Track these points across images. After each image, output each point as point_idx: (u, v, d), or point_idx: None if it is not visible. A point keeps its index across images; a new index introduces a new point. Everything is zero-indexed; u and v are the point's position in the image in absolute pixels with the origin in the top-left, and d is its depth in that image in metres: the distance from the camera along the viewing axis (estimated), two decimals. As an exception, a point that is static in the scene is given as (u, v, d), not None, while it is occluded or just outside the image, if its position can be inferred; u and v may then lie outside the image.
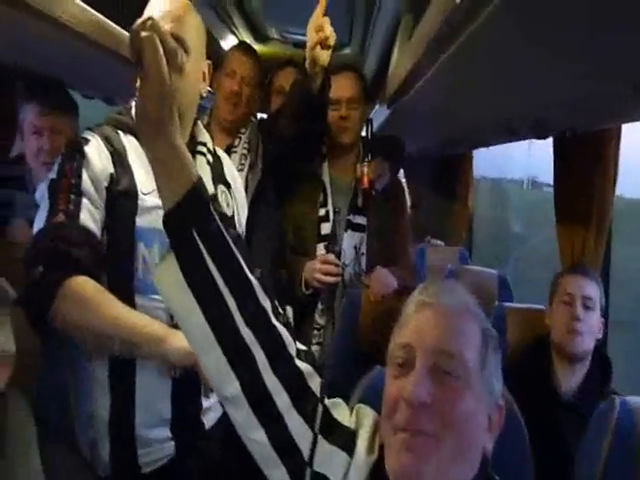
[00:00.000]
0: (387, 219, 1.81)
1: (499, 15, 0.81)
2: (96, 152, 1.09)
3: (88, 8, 1.29)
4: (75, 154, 1.07)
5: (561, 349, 1.50)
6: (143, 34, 0.68)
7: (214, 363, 0.72)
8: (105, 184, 1.08)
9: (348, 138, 1.79)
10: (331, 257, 1.68)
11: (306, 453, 0.74)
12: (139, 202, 1.08)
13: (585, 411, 1.26)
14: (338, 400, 0.81)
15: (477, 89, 1.35)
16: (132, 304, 1.05)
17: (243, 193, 1.38)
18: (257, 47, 2.71)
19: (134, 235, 1.08)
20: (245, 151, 1.76)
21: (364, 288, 1.67)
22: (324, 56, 1.45)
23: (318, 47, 1.42)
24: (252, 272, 0.75)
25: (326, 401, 0.78)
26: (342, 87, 1.75)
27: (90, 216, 1.05)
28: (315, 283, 1.67)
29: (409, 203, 3.26)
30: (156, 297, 1.06)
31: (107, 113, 1.20)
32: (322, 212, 1.77)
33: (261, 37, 2.69)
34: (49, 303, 0.98)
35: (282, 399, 0.73)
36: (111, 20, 1.40)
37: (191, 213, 0.71)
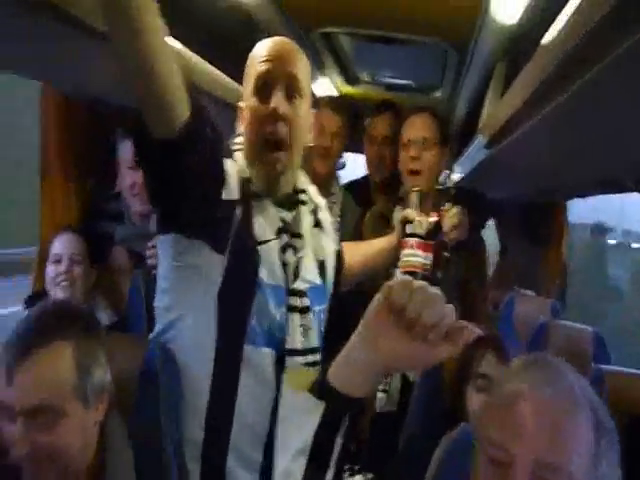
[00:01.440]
0: (465, 274, 1.72)
1: (610, 68, 0.77)
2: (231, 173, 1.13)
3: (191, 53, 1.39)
4: None
5: None
6: None
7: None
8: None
9: (420, 180, 1.67)
10: None
11: None
12: (260, 252, 1.08)
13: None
14: None
15: (581, 141, 1.29)
16: (239, 352, 1.05)
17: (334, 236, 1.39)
18: (348, 89, 2.78)
19: (255, 284, 1.06)
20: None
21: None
22: None
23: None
24: None
25: None
26: (416, 128, 1.71)
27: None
28: None
29: (498, 248, 3.15)
30: (265, 350, 1.07)
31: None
32: None
33: (352, 79, 2.74)
34: None
35: None
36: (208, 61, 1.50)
37: (359, 407, 0.71)
